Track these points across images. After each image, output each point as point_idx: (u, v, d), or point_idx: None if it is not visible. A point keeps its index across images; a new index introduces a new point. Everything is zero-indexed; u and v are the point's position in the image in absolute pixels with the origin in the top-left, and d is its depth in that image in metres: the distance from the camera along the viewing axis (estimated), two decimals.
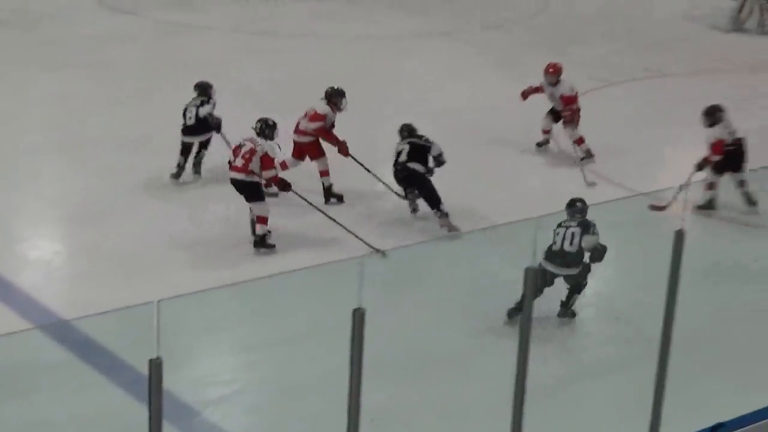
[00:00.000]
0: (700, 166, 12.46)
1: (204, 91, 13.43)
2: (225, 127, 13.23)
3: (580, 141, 14.13)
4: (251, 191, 11.64)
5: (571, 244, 9.86)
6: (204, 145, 13.43)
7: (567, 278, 10.04)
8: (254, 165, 11.57)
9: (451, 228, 11.88)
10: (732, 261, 11.31)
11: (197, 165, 13.41)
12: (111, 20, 20.31)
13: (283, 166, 12.58)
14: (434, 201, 11.99)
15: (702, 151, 12.44)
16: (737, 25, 20.72)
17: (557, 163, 14.15)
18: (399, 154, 12.24)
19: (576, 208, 10.23)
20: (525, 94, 14.32)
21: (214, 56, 17.89)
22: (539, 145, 14.58)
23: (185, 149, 13.28)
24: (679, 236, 7.29)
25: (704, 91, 15.71)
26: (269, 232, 11.58)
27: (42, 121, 15.00)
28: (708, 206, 12.60)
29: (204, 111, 13.24)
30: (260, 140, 11.72)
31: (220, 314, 9.42)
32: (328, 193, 12.77)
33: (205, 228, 11.98)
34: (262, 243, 11.56)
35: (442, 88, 16.86)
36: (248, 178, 11.62)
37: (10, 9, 20.68)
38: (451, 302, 10.18)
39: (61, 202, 12.70)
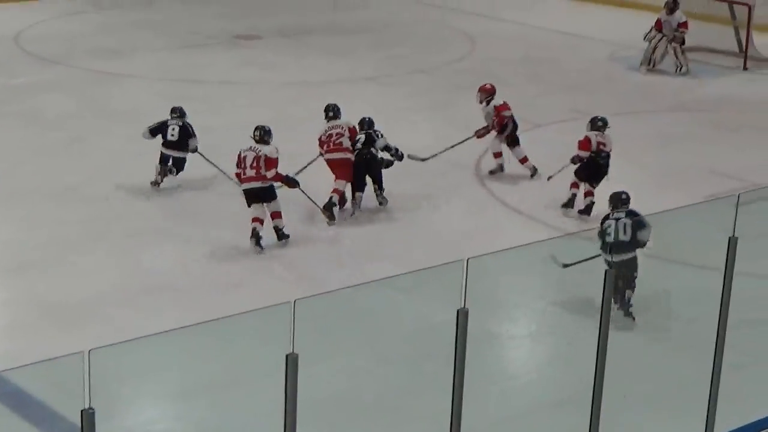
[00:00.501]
0: (572, 160, 13.90)
1: (182, 113, 14.45)
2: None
3: (498, 155, 15.20)
4: (268, 193, 12.68)
5: (624, 233, 10.76)
6: (178, 165, 14.21)
7: (624, 267, 10.57)
8: (263, 170, 12.55)
9: (383, 202, 13.79)
10: (659, 295, 11.43)
11: (161, 177, 14.13)
12: (38, 69, 20.20)
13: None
14: (381, 182, 13.81)
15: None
16: (650, 66, 21.07)
17: (484, 206, 14.25)
18: (357, 141, 13.78)
19: (622, 199, 11.26)
20: (479, 135, 15.18)
21: (143, 104, 17.83)
22: (492, 172, 15.15)
23: (163, 159, 14.22)
24: (609, 276, 7.40)
25: (629, 132, 15.94)
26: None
27: None
28: (568, 204, 13.87)
29: (193, 144, 14.27)
30: (260, 146, 12.68)
31: (153, 362, 9.33)
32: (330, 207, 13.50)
33: (137, 277, 11.91)
34: (281, 234, 12.69)
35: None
36: (264, 184, 12.62)
37: None
38: (383, 345, 10.17)
39: None
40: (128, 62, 20.83)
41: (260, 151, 12.55)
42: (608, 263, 10.36)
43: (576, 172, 13.90)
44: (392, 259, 12.22)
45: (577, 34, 23.76)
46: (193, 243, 12.78)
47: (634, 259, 10.70)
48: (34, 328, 10.70)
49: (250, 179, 12.55)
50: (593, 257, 10.51)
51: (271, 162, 12.53)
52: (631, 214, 10.94)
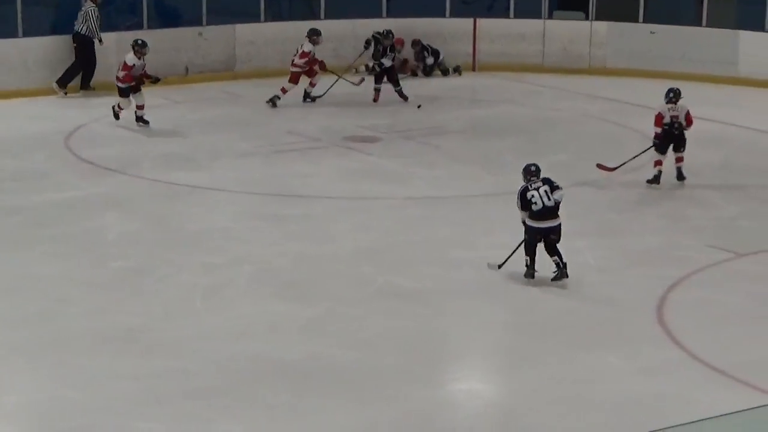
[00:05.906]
0: (653, 143, 20.08)
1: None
2: None
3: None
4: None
5: (549, 199, 15.75)
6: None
7: (554, 231, 15.79)
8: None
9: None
10: None
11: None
12: (93, 181, 20.65)
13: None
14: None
15: None
16: None
17: (671, 362, 14.06)
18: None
19: (533, 171, 15.95)
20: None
21: (224, 226, 18.13)
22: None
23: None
24: None
25: None
26: None
27: (3, 314, 15.11)
28: (654, 180, 20.18)
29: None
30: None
31: None
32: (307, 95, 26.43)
33: None
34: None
35: None
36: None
37: None
38: None
39: (23, 417, 12.71)
40: (206, 172, 21.23)
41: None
42: (538, 230, 15.69)
43: (658, 148, 19.96)
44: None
45: None
46: (279, 409, 12.77)
47: (560, 225, 15.78)
48: None
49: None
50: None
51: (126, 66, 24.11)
52: (546, 181, 15.79)
